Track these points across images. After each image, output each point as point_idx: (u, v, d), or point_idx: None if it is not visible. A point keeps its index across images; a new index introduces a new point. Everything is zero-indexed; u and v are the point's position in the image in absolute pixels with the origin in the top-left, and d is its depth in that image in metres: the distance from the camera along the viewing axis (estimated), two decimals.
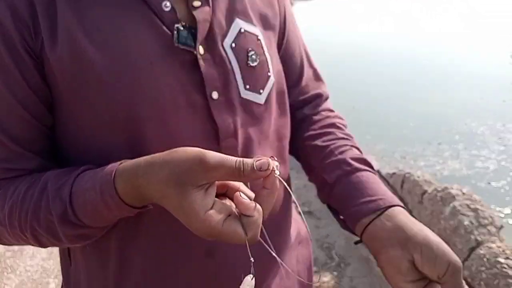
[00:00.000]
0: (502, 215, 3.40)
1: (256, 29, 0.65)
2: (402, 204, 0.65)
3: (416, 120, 5.05)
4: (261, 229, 0.49)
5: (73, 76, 0.54)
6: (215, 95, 0.59)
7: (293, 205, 0.78)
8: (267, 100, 0.65)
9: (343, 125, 0.79)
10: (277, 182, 0.47)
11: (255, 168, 0.45)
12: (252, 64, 0.62)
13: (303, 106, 0.79)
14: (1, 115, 0.55)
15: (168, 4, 0.57)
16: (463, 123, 4.97)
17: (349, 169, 0.69)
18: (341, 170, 0.70)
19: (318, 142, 0.74)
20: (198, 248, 0.61)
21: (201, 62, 0.58)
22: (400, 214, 0.63)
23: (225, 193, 0.51)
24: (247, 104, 0.63)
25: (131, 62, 0.54)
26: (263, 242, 0.50)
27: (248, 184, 0.52)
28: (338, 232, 2.62)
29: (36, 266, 2.07)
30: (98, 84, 0.54)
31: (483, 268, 1.69)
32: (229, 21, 0.62)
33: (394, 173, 2.53)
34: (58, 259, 0.75)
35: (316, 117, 0.78)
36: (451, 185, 2.12)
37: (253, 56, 0.62)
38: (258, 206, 0.47)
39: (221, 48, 0.60)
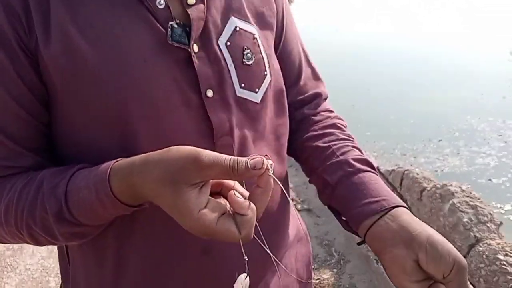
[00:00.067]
0: (503, 212, 3.40)
1: (252, 28, 0.64)
2: (405, 205, 0.65)
3: (416, 118, 5.04)
4: (257, 228, 0.49)
5: (67, 73, 0.54)
6: (209, 93, 0.59)
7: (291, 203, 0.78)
8: (264, 98, 0.65)
9: (343, 125, 0.79)
10: (272, 180, 0.47)
11: (249, 166, 0.45)
12: (247, 63, 0.62)
13: (302, 106, 0.78)
14: None
15: (162, 1, 0.57)
16: (463, 120, 4.96)
17: (351, 170, 0.69)
18: (343, 171, 0.69)
19: (319, 143, 0.74)
20: (194, 247, 0.61)
21: (195, 60, 0.57)
22: (404, 214, 0.62)
23: (219, 191, 0.51)
24: (242, 103, 0.62)
25: (125, 59, 0.54)
26: (258, 240, 0.50)
27: (244, 182, 0.52)
28: (337, 229, 2.63)
29: (36, 264, 2.07)
30: (91, 81, 0.54)
31: (482, 265, 1.69)
32: (225, 19, 0.62)
33: (393, 170, 2.53)
34: None
35: (316, 118, 0.78)
36: (450, 182, 2.11)
37: (249, 55, 0.62)
38: (252, 205, 0.47)
39: (215, 46, 0.60)
